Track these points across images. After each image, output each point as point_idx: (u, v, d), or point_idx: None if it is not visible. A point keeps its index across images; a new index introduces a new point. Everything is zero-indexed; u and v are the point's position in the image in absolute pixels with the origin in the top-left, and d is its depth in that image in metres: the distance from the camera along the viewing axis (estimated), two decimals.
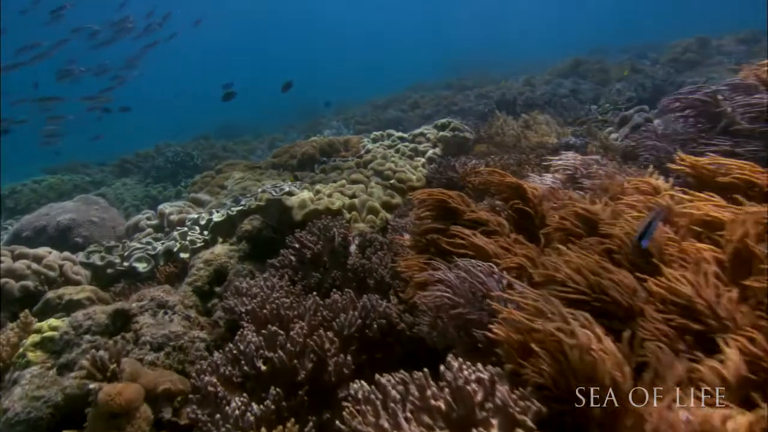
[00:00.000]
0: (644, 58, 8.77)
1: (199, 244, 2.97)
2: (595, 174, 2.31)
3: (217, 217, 3.03)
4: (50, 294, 2.41)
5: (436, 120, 6.18)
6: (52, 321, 2.01)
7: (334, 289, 2.00)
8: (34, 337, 1.91)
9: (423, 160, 4.22)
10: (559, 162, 2.55)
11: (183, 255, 2.90)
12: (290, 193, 3.41)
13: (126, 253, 3.10)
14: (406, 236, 2.22)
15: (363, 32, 40.75)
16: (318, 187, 3.47)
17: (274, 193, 3.33)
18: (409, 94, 10.41)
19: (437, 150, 4.42)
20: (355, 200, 3.16)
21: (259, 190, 3.53)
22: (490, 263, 1.45)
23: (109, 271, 3.16)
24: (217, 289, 2.53)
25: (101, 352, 1.53)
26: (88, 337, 1.79)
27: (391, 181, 3.61)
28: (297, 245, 2.10)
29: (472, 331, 1.31)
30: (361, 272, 1.97)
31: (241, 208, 3.02)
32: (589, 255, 1.32)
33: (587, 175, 2.37)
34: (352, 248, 2.17)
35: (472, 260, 1.45)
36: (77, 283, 2.68)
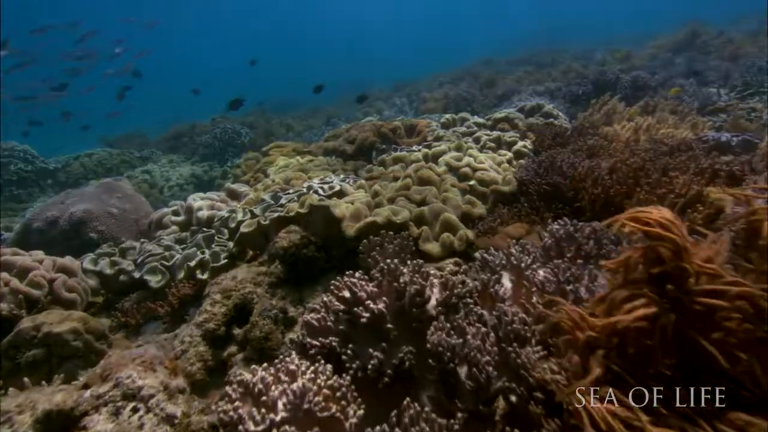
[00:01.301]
0: None
1: (222, 261, 2.31)
2: None
3: (245, 227, 2.35)
4: (26, 323, 1.84)
5: (515, 101, 5.20)
6: None
7: (405, 384, 1.25)
8: None
9: (509, 154, 3.34)
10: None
11: (200, 275, 2.26)
12: (341, 193, 2.67)
13: (140, 259, 2.51)
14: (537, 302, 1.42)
15: (421, 6, 38.85)
16: (377, 186, 2.70)
17: (320, 193, 2.61)
18: (479, 70, 9.31)
19: (527, 142, 3.50)
20: (425, 209, 2.37)
21: (303, 187, 2.82)
22: None
23: (122, 278, 2.59)
24: (237, 331, 1.85)
25: None
26: None
27: (471, 182, 2.78)
28: (347, 296, 1.36)
29: None
30: (447, 357, 1.21)
31: (276, 214, 2.33)
32: None
33: None
34: (432, 304, 1.40)
35: None
36: (69, 303, 2.12)
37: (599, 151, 3.09)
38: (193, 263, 2.31)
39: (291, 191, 2.88)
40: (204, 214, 2.96)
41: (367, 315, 1.31)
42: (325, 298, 1.43)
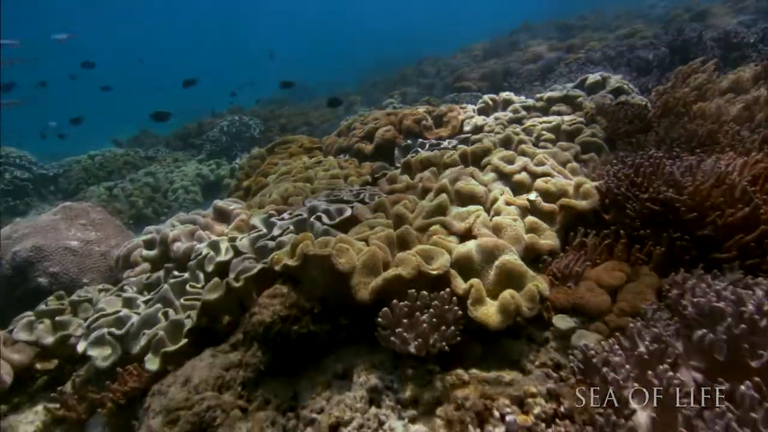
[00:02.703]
0: None
1: (180, 343, 1.62)
2: None
3: (209, 292, 1.66)
4: None
5: (565, 74, 4.30)
6: None
7: None
8: None
9: (575, 147, 2.51)
10: None
11: (150, 365, 1.57)
12: (352, 221, 1.95)
13: (88, 322, 1.87)
14: None
15: None
16: (401, 208, 1.96)
17: (324, 221, 1.89)
18: (517, 39, 8.24)
19: (597, 129, 2.66)
20: (471, 248, 1.61)
21: (304, 209, 2.11)
22: None
23: (71, 341, 1.98)
24: None
25: None
26: None
27: (532, 197, 1.98)
28: None
29: None
30: None
31: (255, 268, 1.62)
32: None
33: None
34: None
35: None
36: None
37: (708, 140, 2.23)
38: (142, 342, 1.65)
39: (287, 217, 2.17)
40: (181, 247, 2.29)
41: None
42: None
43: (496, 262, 1.56)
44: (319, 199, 2.32)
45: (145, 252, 2.40)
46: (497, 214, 1.89)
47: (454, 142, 2.79)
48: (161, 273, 2.27)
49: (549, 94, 3.07)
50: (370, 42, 24.09)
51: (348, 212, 2.00)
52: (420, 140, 2.98)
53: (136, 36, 35.20)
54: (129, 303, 1.97)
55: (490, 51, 7.65)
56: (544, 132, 2.61)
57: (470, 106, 3.32)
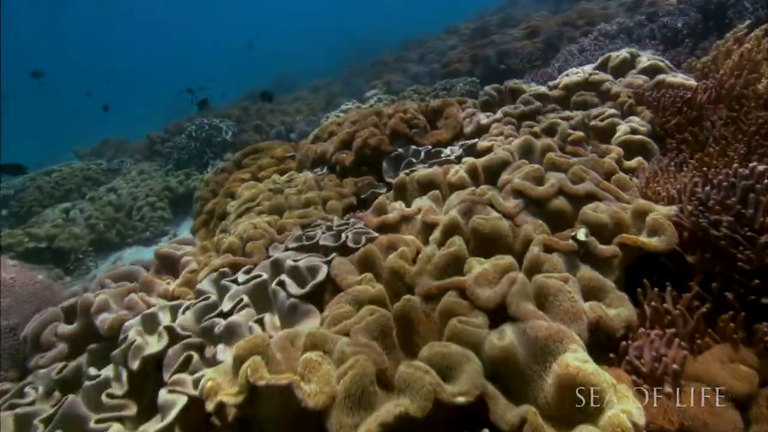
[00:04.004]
0: None
1: None
2: None
3: None
4: None
5: (575, 53, 3.72)
6: None
7: None
8: None
9: (616, 150, 1.94)
10: None
11: None
12: (327, 289, 1.38)
13: None
14: None
15: None
16: (394, 262, 1.38)
17: (290, 292, 1.33)
18: (508, 15, 7.56)
19: (638, 123, 2.09)
20: (512, 340, 1.05)
21: (264, 269, 1.55)
22: None
23: None
24: None
25: None
26: None
27: (580, 235, 1.41)
28: None
29: None
30: None
31: (171, 414, 1.05)
32: None
33: None
34: None
35: None
36: None
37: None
38: None
39: (242, 279, 1.59)
40: (107, 320, 1.71)
41: None
42: None
43: (554, 366, 1.00)
44: (287, 246, 1.74)
45: (60, 328, 1.81)
46: (535, 267, 1.32)
47: (457, 150, 2.21)
48: (83, 360, 1.69)
49: (566, 79, 2.48)
50: (351, 23, 23.17)
51: (322, 274, 1.42)
52: (413, 147, 2.40)
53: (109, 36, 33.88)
54: (24, 426, 1.39)
55: (480, 30, 6.99)
56: (569, 131, 2.03)
57: (470, 101, 2.73)
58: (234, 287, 1.53)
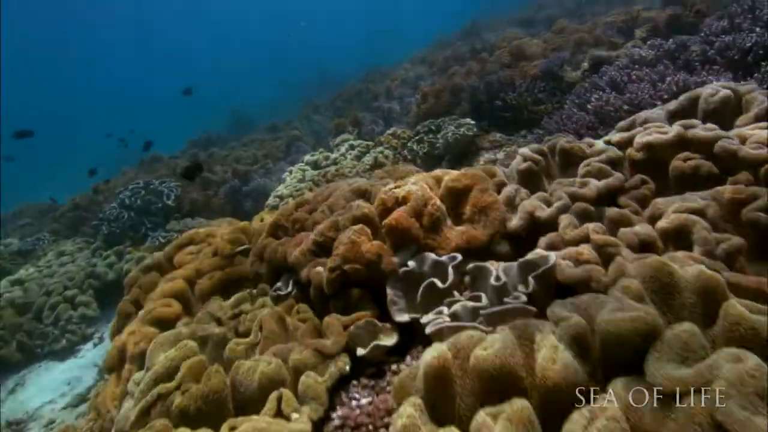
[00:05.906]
0: None
1: None
2: None
3: None
4: None
5: (598, 85, 3.00)
6: None
7: None
8: None
9: None
10: None
11: None
12: None
13: None
14: None
15: None
16: None
17: None
18: (478, 40, 6.93)
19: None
20: None
21: None
22: None
23: None
24: None
25: None
26: None
27: None
28: None
29: None
30: None
31: None
32: None
33: None
34: None
35: None
36: None
37: None
38: None
39: None
40: None
41: None
42: None
43: None
44: None
45: None
46: None
47: (515, 268, 1.32)
48: None
49: (646, 137, 1.66)
50: (307, 52, 22.52)
51: None
52: (431, 257, 1.51)
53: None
54: None
55: (452, 58, 6.30)
56: (721, 236, 1.19)
57: (499, 169, 1.87)
58: None
